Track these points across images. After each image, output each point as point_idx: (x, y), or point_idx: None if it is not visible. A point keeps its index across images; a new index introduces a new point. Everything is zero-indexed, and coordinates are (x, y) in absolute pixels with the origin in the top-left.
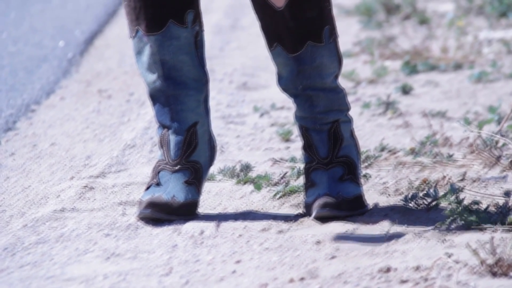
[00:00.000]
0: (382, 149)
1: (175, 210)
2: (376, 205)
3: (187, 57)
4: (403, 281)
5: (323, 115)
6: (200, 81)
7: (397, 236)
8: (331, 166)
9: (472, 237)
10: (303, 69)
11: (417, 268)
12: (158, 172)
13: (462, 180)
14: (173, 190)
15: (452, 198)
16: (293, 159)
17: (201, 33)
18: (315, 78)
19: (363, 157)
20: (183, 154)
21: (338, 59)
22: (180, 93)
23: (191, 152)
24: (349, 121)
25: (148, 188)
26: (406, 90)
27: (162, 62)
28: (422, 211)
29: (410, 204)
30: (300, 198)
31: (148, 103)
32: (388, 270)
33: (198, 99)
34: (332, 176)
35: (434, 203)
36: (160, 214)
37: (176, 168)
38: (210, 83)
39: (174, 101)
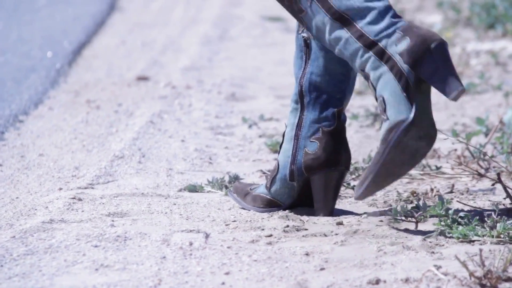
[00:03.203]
0: (370, 161)
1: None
2: (365, 217)
3: (296, 56)
4: None
5: None
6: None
7: (386, 248)
8: None
9: (460, 249)
10: None
11: (406, 280)
12: None
13: (450, 192)
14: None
15: (441, 210)
16: None
17: (315, 50)
18: None
19: (351, 168)
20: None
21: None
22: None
23: (280, 148)
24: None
25: None
26: None
27: None
28: (410, 223)
29: (398, 216)
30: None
31: (136, 114)
32: (377, 282)
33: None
34: None
35: (422, 215)
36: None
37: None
38: (198, 93)
39: None
